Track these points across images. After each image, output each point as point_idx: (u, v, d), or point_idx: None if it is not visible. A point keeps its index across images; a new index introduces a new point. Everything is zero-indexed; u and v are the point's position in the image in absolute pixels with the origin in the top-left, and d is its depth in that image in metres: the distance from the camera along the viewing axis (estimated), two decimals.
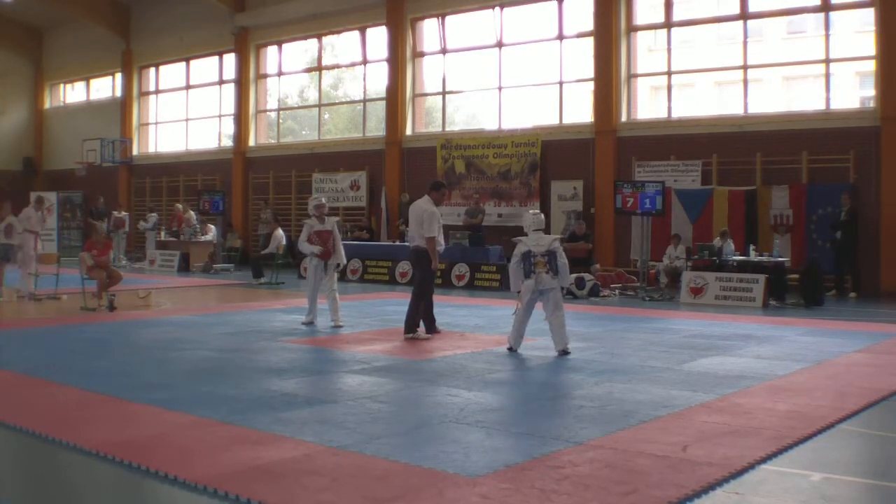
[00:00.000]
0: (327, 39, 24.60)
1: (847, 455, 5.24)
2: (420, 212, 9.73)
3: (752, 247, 14.93)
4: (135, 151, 28.91)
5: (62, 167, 30.25)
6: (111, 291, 12.67)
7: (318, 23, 23.48)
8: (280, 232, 18.81)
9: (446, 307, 12.13)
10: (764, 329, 10.80)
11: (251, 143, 25.50)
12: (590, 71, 19.09)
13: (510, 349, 8.71)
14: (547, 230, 19.27)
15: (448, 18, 21.53)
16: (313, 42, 24.61)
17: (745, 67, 17.63)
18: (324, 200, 11.26)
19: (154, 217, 24.37)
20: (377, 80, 23.20)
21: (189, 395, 6.49)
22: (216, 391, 6.69)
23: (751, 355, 8.58)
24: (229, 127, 26.35)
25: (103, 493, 4.54)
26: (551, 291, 8.52)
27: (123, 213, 24.19)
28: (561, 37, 19.64)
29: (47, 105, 32.82)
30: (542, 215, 9.12)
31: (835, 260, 15.10)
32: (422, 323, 9.88)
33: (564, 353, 8.46)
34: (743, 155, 16.75)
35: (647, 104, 21.85)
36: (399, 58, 21.74)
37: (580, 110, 20.30)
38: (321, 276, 10.81)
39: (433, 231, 9.64)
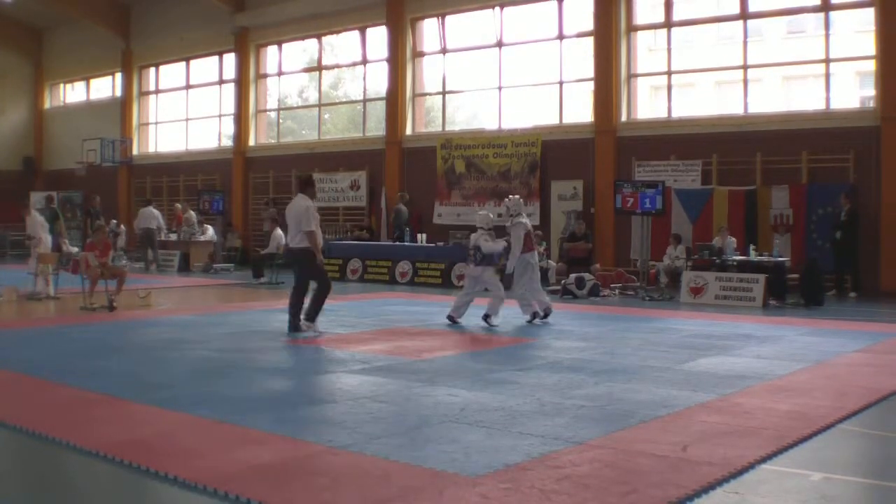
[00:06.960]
0: (327, 39, 24.60)
1: (847, 455, 5.24)
2: (297, 210, 9.77)
3: (752, 247, 14.93)
4: (135, 151, 28.91)
5: (62, 167, 30.24)
6: (111, 291, 12.66)
7: (318, 23, 23.47)
8: (279, 232, 18.72)
9: (446, 307, 12.11)
10: (764, 329, 10.79)
11: (251, 142, 25.50)
12: (590, 71, 19.09)
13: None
14: (547, 230, 19.29)
15: (448, 18, 21.52)
16: (313, 42, 24.60)
17: (745, 67, 17.62)
18: (492, 215, 11.52)
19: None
20: (377, 79, 23.20)
21: (189, 395, 6.48)
22: (216, 391, 6.69)
23: (751, 355, 8.57)
24: (229, 127, 26.34)
25: (103, 493, 4.54)
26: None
27: (122, 227, 23.73)
28: (561, 37, 19.63)
29: (47, 105, 32.80)
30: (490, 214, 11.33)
31: (835, 260, 15.10)
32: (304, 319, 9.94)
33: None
34: (743, 155, 16.73)
35: (647, 104, 21.82)
36: (399, 58, 21.73)
37: (580, 110, 20.30)
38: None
39: (311, 225, 9.72)
